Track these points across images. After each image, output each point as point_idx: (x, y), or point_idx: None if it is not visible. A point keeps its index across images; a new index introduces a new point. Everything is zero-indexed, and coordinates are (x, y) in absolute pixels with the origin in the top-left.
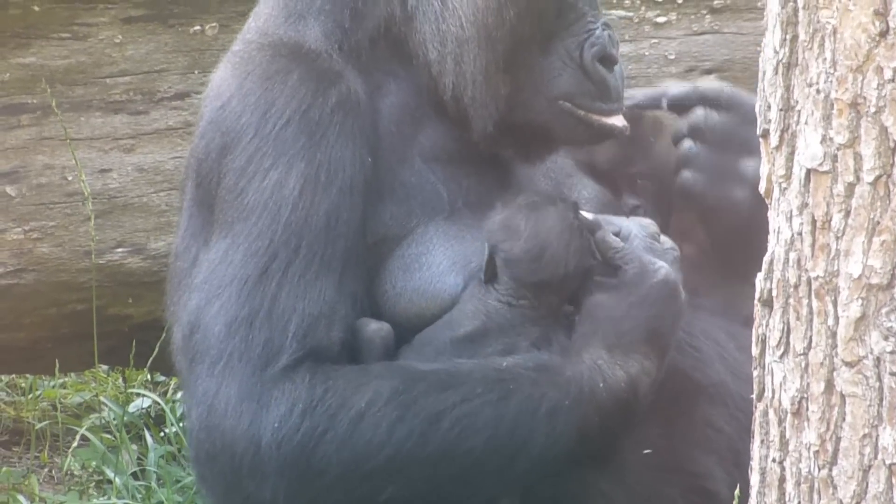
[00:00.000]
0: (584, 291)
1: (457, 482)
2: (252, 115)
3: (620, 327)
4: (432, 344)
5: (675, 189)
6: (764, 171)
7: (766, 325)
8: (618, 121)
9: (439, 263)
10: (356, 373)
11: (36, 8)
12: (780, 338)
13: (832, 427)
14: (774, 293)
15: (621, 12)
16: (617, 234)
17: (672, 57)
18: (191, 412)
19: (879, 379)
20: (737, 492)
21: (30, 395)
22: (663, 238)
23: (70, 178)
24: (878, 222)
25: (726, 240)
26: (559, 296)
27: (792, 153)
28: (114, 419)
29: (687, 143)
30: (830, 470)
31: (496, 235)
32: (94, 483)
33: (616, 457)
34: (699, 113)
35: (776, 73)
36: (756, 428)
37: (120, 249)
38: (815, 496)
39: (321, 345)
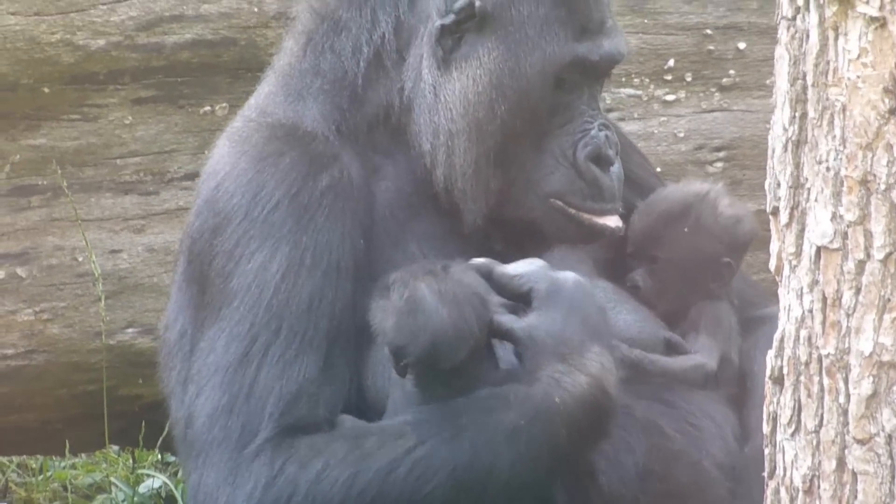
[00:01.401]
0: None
1: None
2: (243, 197)
3: (563, 336)
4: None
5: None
6: (774, 248)
7: (777, 403)
8: (611, 221)
9: None
10: (315, 439)
11: (46, 89)
12: (791, 415)
13: None
14: (785, 371)
15: (630, 90)
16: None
17: (681, 135)
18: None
19: (891, 456)
20: None
21: (41, 476)
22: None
23: (80, 259)
24: (889, 299)
25: None
26: (467, 363)
27: (802, 230)
28: (124, 500)
29: None
30: None
31: (380, 325)
32: None
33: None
34: None
35: (785, 150)
36: None
37: (130, 330)
38: None
39: (302, 422)
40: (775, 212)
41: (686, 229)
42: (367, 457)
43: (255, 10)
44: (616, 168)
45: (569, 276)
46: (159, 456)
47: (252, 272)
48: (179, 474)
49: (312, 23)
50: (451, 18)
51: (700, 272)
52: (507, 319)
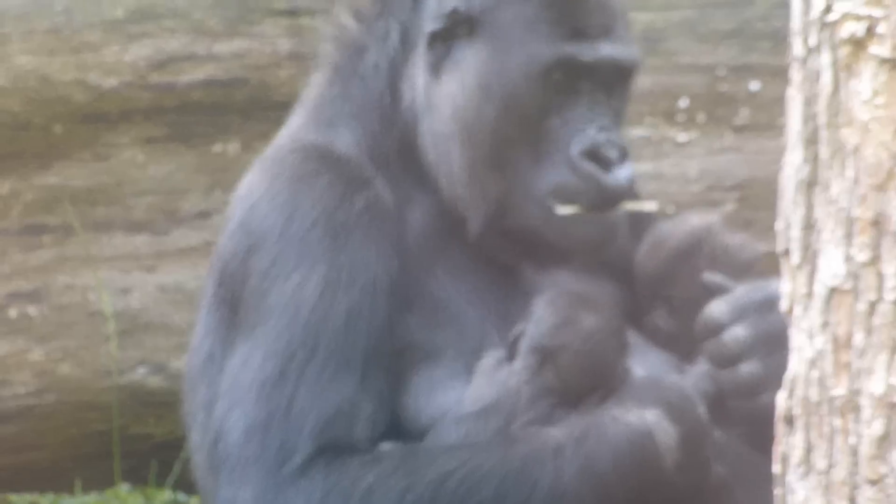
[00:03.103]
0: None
1: None
2: (279, 216)
3: (633, 397)
4: (440, 431)
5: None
6: (786, 289)
7: (788, 444)
8: (609, 218)
9: (459, 394)
10: (367, 456)
11: (58, 129)
12: (803, 456)
13: None
14: (796, 411)
15: (642, 131)
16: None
17: (693, 176)
18: None
19: None
20: None
21: None
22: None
23: (91, 299)
24: None
25: None
26: (575, 385)
27: (813, 271)
28: None
29: (746, 368)
30: None
31: (538, 313)
32: None
33: None
34: (740, 333)
35: (797, 191)
36: None
37: (141, 369)
38: None
39: (340, 442)
40: (787, 253)
41: (699, 263)
42: (418, 470)
43: (267, 49)
44: (624, 171)
45: (669, 377)
46: (172, 494)
47: (289, 291)
48: None
49: (337, 52)
50: (440, 24)
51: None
52: None
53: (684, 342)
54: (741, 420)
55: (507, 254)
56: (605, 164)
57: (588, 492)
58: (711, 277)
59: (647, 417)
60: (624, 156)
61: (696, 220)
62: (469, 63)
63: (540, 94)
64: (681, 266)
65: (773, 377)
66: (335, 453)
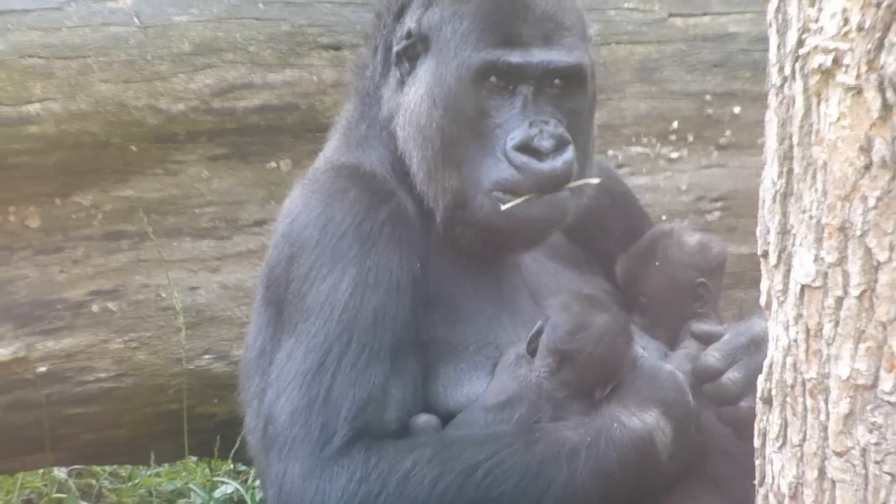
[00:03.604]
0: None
1: None
2: (314, 228)
3: (636, 395)
4: (467, 418)
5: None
6: (764, 286)
7: (767, 421)
8: (549, 200)
9: (484, 382)
10: (403, 442)
11: (133, 148)
12: (779, 431)
13: None
14: (773, 392)
15: (639, 149)
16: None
17: (684, 188)
18: (268, 493)
19: (865, 467)
20: None
21: (129, 483)
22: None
23: (164, 295)
24: (864, 331)
25: None
26: (590, 380)
27: (788, 271)
28: (201, 503)
29: (745, 405)
30: None
31: (554, 317)
32: None
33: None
34: (736, 377)
35: (774, 201)
36: None
37: (206, 356)
38: None
39: (372, 425)
40: (765, 255)
41: (657, 264)
42: (450, 460)
43: (315, 79)
44: (560, 158)
45: (670, 368)
46: (232, 465)
47: (324, 292)
48: (250, 481)
49: (358, 80)
50: (402, 45)
51: (681, 298)
52: None
53: (656, 331)
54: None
55: (474, 244)
56: (538, 154)
57: (596, 489)
58: (700, 327)
59: (648, 420)
60: (560, 145)
61: (657, 228)
62: (421, 75)
63: (474, 97)
64: (641, 268)
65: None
66: (372, 437)
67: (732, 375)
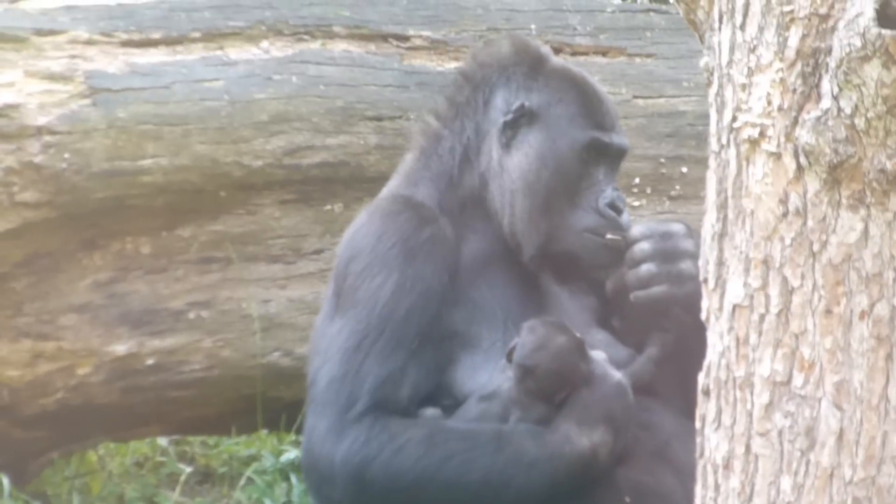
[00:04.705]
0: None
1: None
2: (371, 239)
3: (588, 411)
4: (467, 406)
5: (639, 304)
6: (704, 305)
7: (706, 408)
8: (618, 244)
9: (493, 371)
10: (405, 422)
11: (223, 193)
12: (715, 416)
13: (749, 476)
14: (711, 386)
15: None
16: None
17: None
18: (303, 440)
19: (781, 444)
20: None
21: (215, 449)
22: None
23: (244, 306)
24: (781, 340)
25: (685, 335)
26: (548, 389)
27: (723, 293)
28: (270, 466)
29: (644, 266)
30: None
31: (522, 337)
32: None
33: (596, 498)
34: (644, 246)
35: (713, 239)
36: (699, 477)
37: (276, 353)
38: None
39: (388, 399)
40: (706, 280)
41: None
42: (435, 446)
43: (361, 142)
44: (626, 216)
45: (617, 376)
46: (295, 437)
47: (371, 289)
48: None
49: (423, 139)
50: (510, 116)
51: (653, 314)
52: None
53: (629, 335)
54: (640, 308)
55: (545, 272)
56: (618, 211)
57: (547, 491)
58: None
59: (594, 439)
60: (624, 205)
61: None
62: (531, 142)
63: (577, 164)
64: (621, 287)
65: (665, 276)
66: (384, 411)
67: (642, 245)
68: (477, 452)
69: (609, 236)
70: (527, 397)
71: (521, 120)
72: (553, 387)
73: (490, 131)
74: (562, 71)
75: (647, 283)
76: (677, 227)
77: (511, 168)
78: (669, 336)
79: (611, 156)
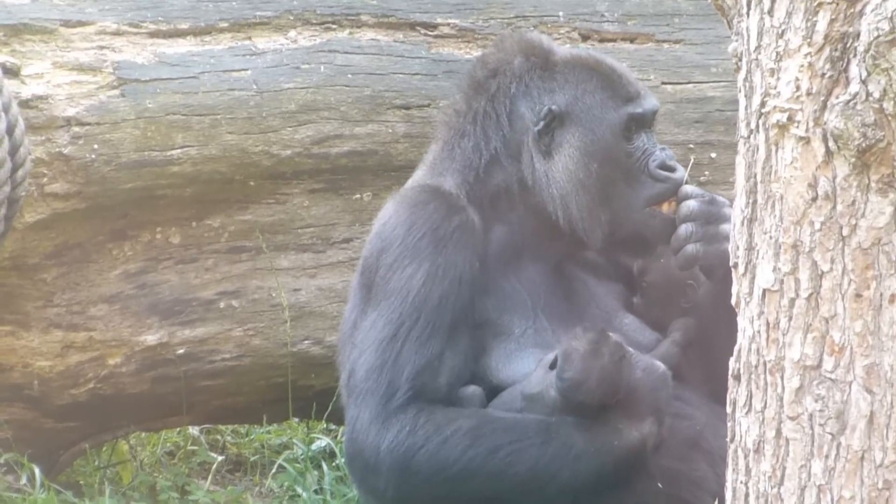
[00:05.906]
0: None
1: (507, 494)
2: (401, 229)
3: (637, 404)
4: (509, 397)
5: (678, 262)
6: (734, 290)
7: (737, 392)
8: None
9: (527, 361)
10: (450, 412)
11: (252, 183)
12: (746, 400)
13: (780, 460)
14: (741, 371)
15: None
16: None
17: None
18: (346, 430)
19: (812, 428)
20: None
21: (246, 438)
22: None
23: (273, 295)
24: (811, 324)
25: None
26: (596, 409)
27: (753, 278)
28: (301, 454)
29: (684, 227)
30: (779, 489)
31: (561, 364)
32: (287, 497)
33: (632, 486)
34: (691, 204)
35: (742, 224)
36: (729, 461)
37: (306, 342)
38: None
39: (427, 387)
40: (735, 265)
41: (662, 260)
42: (482, 437)
43: (390, 131)
44: (679, 171)
45: (662, 367)
46: (325, 425)
47: (403, 279)
48: (339, 437)
49: (447, 132)
50: (541, 125)
51: (673, 292)
52: None
53: (648, 314)
54: (660, 285)
55: (612, 254)
56: (671, 168)
57: (594, 484)
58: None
59: (644, 430)
60: (674, 161)
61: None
62: (570, 141)
63: (622, 144)
64: (652, 261)
65: (701, 235)
66: (426, 399)
67: (687, 227)
68: (524, 444)
69: (665, 209)
70: (575, 412)
71: (552, 124)
72: (600, 406)
73: (524, 142)
74: (572, 60)
75: (685, 241)
76: (722, 199)
77: (557, 174)
78: (691, 321)
79: (647, 121)
